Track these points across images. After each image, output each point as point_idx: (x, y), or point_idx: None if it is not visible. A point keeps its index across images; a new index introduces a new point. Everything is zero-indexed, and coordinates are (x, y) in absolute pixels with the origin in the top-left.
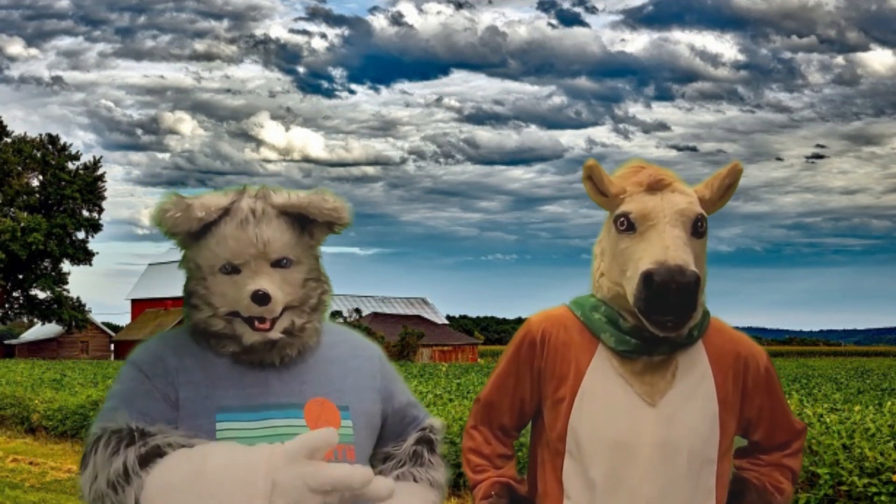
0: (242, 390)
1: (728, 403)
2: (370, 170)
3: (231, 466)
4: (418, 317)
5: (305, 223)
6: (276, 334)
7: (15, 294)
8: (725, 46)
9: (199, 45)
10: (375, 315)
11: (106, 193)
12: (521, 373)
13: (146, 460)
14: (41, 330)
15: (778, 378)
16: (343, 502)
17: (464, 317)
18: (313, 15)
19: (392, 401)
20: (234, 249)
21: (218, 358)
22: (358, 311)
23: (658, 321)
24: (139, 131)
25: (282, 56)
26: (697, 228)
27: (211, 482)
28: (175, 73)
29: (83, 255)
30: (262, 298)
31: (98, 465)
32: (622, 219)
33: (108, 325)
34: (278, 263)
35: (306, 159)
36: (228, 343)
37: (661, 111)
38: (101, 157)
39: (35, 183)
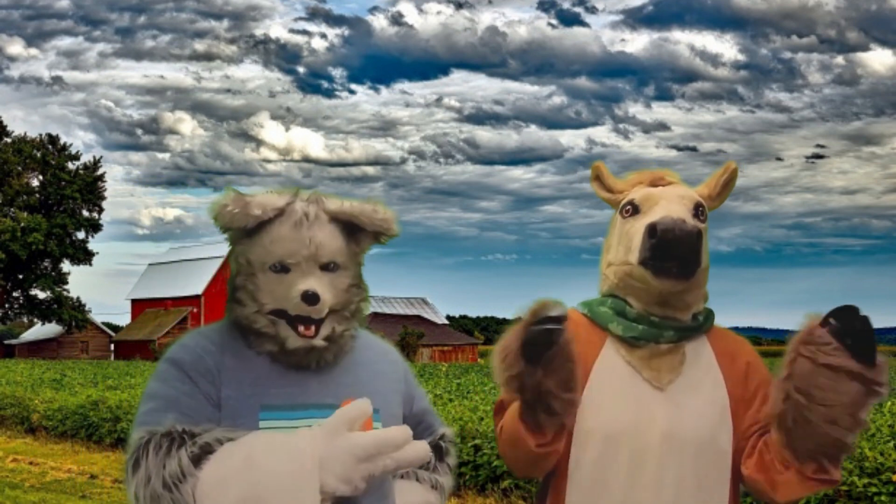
0: (283, 389)
1: (738, 397)
2: (370, 170)
3: (278, 451)
4: (418, 317)
5: (354, 230)
6: (319, 341)
7: (15, 294)
8: (725, 46)
9: (199, 45)
10: (375, 315)
11: (106, 193)
12: None
13: (199, 459)
14: (41, 330)
15: None
16: (387, 472)
17: (464, 317)
18: (313, 15)
19: (412, 405)
20: (288, 249)
21: (257, 356)
22: None
23: (663, 269)
24: (139, 131)
25: (282, 56)
26: (698, 213)
27: (261, 469)
28: (175, 73)
29: (83, 255)
30: (311, 298)
31: (151, 467)
32: (628, 206)
33: (108, 325)
34: (327, 267)
35: (306, 159)
36: (268, 342)
37: (661, 111)
38: (101, 157)
39: (35, 183)
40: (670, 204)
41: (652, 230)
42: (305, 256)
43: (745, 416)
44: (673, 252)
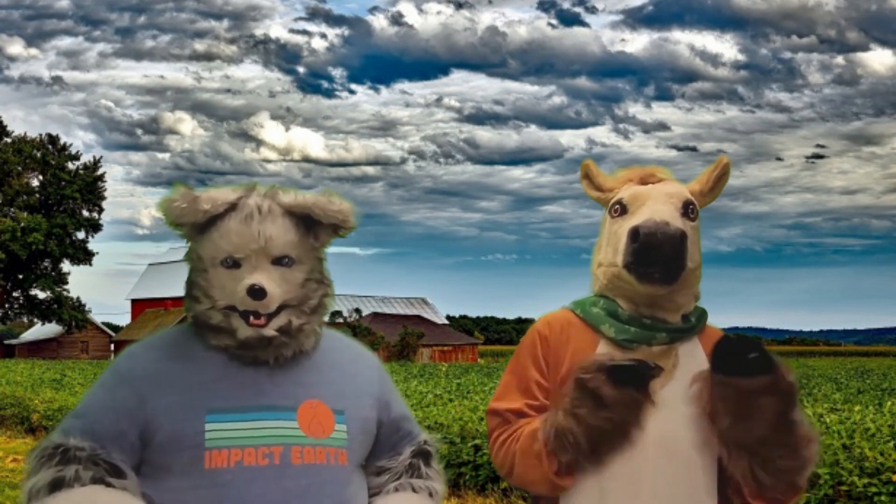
0: (234, 391)
1: None
2: (370, 170)
3: None
4: (418, 317)
5: (311, 224)
6: (270, 331)
7: (15, 294)
8: (725, 46)
9: (199, 45)
10: (375, 315)
11: (106, 193)
12: (528, 369)
13: (55, 486)
14: (41, 330)
15: None
16: None
17: (464, 317)
18: (313, 15)
19: (388, 411)
20: (236, 243)
21: (212, 356)
22: (358, 311)
23: (645, 274)
24: (139, 131)
25: (282, 56)
26: (688, 211)
27: None
28: (175, 73)
29: (83, 255)
30: (257, 293)
31: (32, 472)
32: (616, 205)
33: (108, 325)
34: (279, 261)
35: (306, 159)
36: (224, 337)
37: (661, 111)
38: (101, 157)
39: (35, 183)
40: (657, 204)
41: (634, 234)
42: (255, 250)
43: None
44: (655, 256)
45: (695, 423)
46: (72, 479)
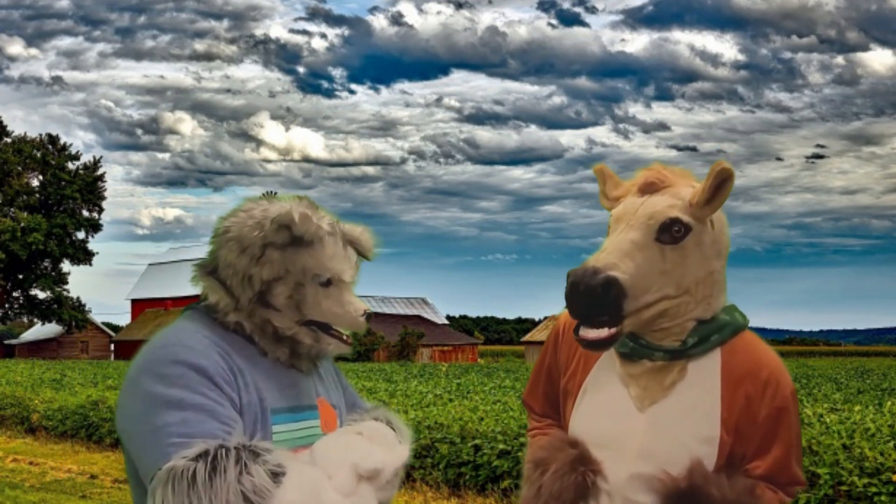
0: (281, 392)
1: (732, 427)
2: (370, 170)
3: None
4: (418, 317)
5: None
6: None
7: (15, 294)
8: (725, 46)
9: (199, 45)
10: (375, 315)
11: (106, 193)
12: (550, 362)
13: (276, 477)
14: (41, 330)
15: (797, 415)
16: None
17: (464, 317)
18: (313, 15)
19: (347, 394)
20: (342, 266)
21: (262, 358)
22: None
23: (580, 340)
24: (139, 131)
25: (282, 56)
26: (672, 233)
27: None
28: (175, 73)
29: (83, 255)
30: (369, 317)
31: (230, 481)
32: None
33: (108, 325)
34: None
35: (306, 159)
36: (284, 346)
37: (661, 111)
38: (101, 157)
39: (35, 183)
40: (619, 235)
41: (567, 279)
42: (352, 276)
43: (735, 453)
44: (575, 307)
45: (687, 447)
46: (282, 464)
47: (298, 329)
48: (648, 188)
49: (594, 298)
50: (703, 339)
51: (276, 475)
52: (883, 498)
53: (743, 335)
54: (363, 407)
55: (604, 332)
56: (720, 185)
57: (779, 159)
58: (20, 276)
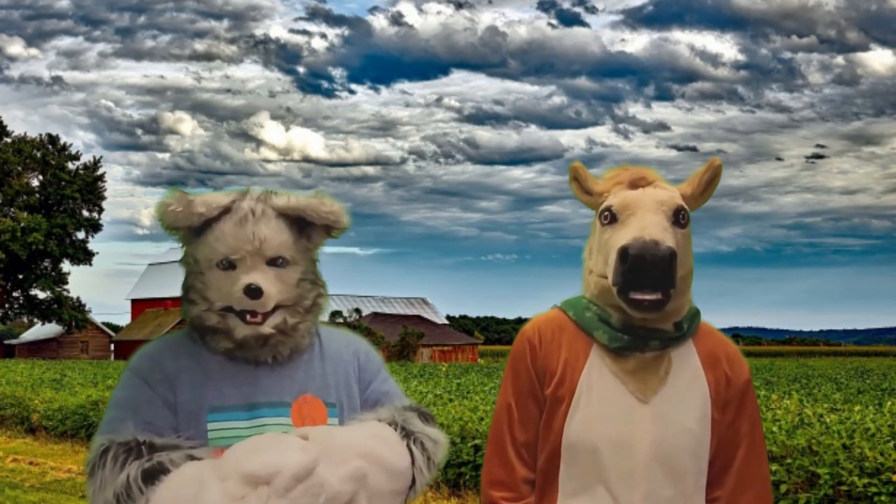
0: (235, 389)
1: (720, 405)
2: (370, 170)
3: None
4: (418, 317)
5: (304, 226)
6: (267, 329)
7: (15, 294)
8: (725, 46)
9: (199, 45)
10: (375, 315)
11: (106, 193)
12: (523, 379)
13: (150, 476)
14: (41, 330)
15: (756, 401)
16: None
17: (464, 317)
18: (313, 15)
19: (367, 389)
20: (232, 245)
21: (212, 356)
22: (358, 311)
23: (635, 301)
24: (139, 131)
25: (282, 56)
26: (679, 219)
27: None
28: (175, 73)
29: (83, 255)
30: (254, 292)
31: (106, 477)
32: (606, 212)
33: (108, 325)
34: (273, 262)
35: (306, 159)
36: (222, 338)
37: (661, 111)
38: (101, 157)
39: (35, 183)
40: (647, 215)
41: (624, 254)
42: (250, 252)
43: (717, 427)
44: (645, 278)
45: (690, 430)
46: (166, 464)
47: (220, 318)
48: (640, 182)
49: (664, 269)
50: (690, 325)
51: (154, 474)
52: (883, 498)
53: (701, 322)
54: (397, 405)
55: (658, 294)
56: (711, 180)
57: (779, 159)
58: (20, 276)
